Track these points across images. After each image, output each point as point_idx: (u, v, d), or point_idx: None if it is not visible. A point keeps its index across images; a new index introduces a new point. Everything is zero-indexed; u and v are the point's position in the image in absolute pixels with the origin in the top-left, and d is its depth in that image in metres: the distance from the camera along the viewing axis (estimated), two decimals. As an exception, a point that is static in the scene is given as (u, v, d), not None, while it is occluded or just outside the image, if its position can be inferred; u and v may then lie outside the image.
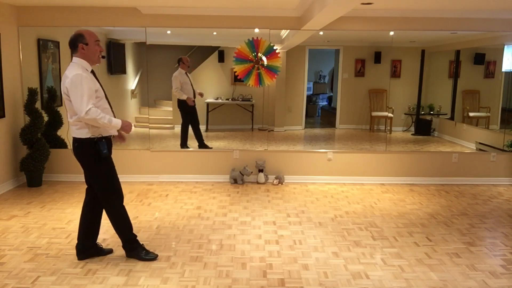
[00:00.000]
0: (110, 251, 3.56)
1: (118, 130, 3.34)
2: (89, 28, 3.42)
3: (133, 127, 3.40)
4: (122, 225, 3.43)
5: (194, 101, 6.44)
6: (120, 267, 3.32)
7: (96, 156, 3.23)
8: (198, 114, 6.54)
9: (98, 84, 3.25)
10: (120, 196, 3.41)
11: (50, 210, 4.62)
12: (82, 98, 3.06)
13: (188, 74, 6.40)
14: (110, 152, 3.34)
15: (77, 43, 3.18)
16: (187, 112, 6.43)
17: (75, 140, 3.25)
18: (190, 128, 6.42)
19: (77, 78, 3.07)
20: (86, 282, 3.09)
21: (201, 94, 6.58)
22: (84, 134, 3.20)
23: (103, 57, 3.32)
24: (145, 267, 3.31)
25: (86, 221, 3.45)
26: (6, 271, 3.22)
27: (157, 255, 3.50)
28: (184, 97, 6.32)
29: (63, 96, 3.20)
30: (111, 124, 3.19)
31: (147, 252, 3.49)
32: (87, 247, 3.47)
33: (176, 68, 6.38)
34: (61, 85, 3.19)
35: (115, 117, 3.34)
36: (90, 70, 3.24)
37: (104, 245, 3.62)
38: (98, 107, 3.18)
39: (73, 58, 3.23)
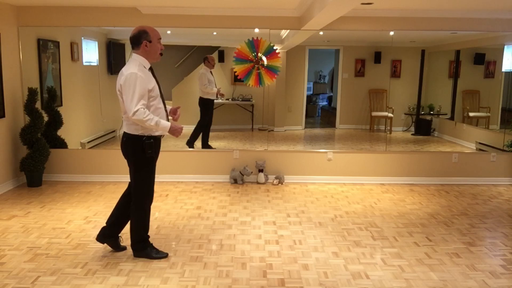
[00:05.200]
0: (124, 248, 3.59)
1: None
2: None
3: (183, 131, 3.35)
4: (142, 225, 3.45)
5: (222, 94, 6.59)
6: (120, 267, 3.32)
7: (141, 154, 3.24)
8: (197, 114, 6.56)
9: (154, 83, 3.23)
10: (151, 199, 3.44)
11: (50, 210, 4.62)
12: (133, 98, 3.06)
13: (212, 72, 6.42)
14: (156, 153, 3.35)
15: (141, 39, 3.17)
16: (208, 111, 6.44)
17: (125, 135, 3.28)
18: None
19: (131, 77, 3.08)
20: (86, 282, 3.09)
21: (222, 94, 6.60)
22: (133, 130, 3.22)
23: (160, 54, 3.30)
24: (145, 267, 3.31)
25: (120, 211, 3.49)
26: (6, 271, 3.22)
27: (167, 254, 3.51)
28: (214, 90, 6.35)
29: (117, 92, 3.20)
30: (158, 127, 3.18)
31: (157, 251, 3.51)
32: (111, 235, 3.52)
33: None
34: (117, 82, 3.19)
35: (168, 116, 3.34)
36: (148, 67, 3.24)
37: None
38: (151, 106, 3.18)
39: (133, 54, 3.22)
